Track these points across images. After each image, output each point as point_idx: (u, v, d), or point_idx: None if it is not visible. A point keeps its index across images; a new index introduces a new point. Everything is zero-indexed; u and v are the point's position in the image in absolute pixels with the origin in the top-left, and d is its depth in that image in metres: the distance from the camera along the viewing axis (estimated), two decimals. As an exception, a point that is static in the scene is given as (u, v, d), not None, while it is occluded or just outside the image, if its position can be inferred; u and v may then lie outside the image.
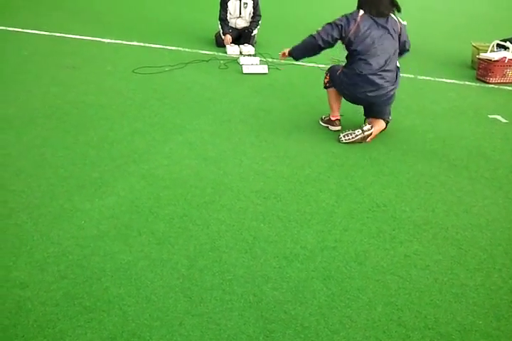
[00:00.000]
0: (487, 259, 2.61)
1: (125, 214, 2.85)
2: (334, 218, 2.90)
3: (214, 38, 6.40)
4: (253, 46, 6.15)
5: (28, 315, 2.15)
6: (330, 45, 3.75)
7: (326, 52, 4.01)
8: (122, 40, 6.30)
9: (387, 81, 3.67)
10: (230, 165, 3.42)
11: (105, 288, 2.30)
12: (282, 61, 5.63)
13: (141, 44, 6.19)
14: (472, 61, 5.89)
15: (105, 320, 2.13)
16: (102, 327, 2.10)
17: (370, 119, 3.93)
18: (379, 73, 3.63)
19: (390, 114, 3.92)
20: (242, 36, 6.31)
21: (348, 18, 3.67)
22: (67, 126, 3.91)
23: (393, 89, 3.74)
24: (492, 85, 5.41)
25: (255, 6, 6.20)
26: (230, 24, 6.24)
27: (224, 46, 6.18)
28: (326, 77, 4.05)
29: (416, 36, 6.95)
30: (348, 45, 3.69)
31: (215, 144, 3.72)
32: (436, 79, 5.38)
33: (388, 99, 3.76)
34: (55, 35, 6.38)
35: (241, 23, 6.31)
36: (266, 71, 5.39)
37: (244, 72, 5.34)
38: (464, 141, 3.96)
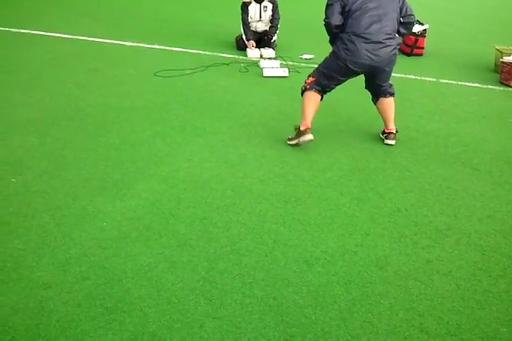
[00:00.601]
0: (511, 265, 2.57)
1: (146, 216, 2.87)
2: (355, 222, 2.88)
3: (234, 41, 6.43)
4: (273, 49, 6.15)
5: (50, 315, 2.17)
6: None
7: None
8: (144, 43, 6.36)
9: (387, 38, 3.53)
10: (251, 168, 3.43)
11: (126, 290, 2.31)
12: (303, 64, 5.63)
13: (163, 47, 6.23)
14: (495, 65, 5.82)
15: (126, 321, 2.14)
16: (123, 328, 2.11)
17: (384, 119, 3.87)
18: (376, 32, 3.49)
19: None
20: (262, 40, 6.32)
21: None
22: (89, 128, 3.95)
23: (397, 45, 3.63)
24: (516, 89, 5.34)
25: (274, 9, 6.22)
26: (251, 28, 6.26)
27: (244, 49, 6.20)
28: (308, 78, 3.87)
29: (438, 39, 6.90)
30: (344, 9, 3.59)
31: (235, 147, 3.72)
32: (459, 83, 5.32)
33: (392, 56, 3.63)
34: (77, 39, 6.47)
35: (261, 27, 6.33)
36: (286, 74, 5.38)
37: (264, 75, 5.35)
38: (486, 146, 3.90)
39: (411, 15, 3.69)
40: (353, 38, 3.50)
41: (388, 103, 3.84)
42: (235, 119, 4.22)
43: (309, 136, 3.65)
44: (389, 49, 3.53)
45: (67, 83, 4.92)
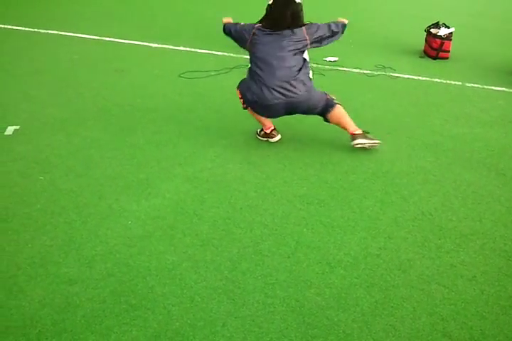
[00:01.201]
0: (537, 272, 2.54)
1: (170, 215, 2.90)
2: (378, 225, 2.87)
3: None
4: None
5: (75, 310, 2.22)
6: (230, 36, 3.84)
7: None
8: (169, 44, 6.42)
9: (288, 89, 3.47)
10: (273, 170, 3.44)
11: (150, 287, 2.34)
12: (327, 67, 5.63)
13: (187, 49, 6.28)
14: (523, 69, 5.74)
15: (150, 318, 2.18)
16: (146, 324, 2.14)
17: (342, 127, 3.74)
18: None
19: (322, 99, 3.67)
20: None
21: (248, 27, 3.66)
22: (115, 128, 4.01)
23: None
24: (543, 94, 5.25)
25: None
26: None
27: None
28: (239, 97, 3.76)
29: (464, 43, 6.83)
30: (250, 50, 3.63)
31: (258, 148, 3.74)
32: (485, 87, 5.26)
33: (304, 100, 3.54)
34: (104, 40, 6.56)
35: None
36: (311, 76, 5.36)
37: (288, 77, 5.35)
38: (513, 151, 3.85)
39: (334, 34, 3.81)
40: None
41: (337, 113, 3.70)
42: (259, 121, 4.23)
43: (277, 138, 3.84)
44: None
45: (94, 83, 5.00)
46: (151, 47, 6.36)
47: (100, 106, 4.44)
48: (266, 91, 3.44)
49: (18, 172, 3.31)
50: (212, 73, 5.37)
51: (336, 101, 3.73)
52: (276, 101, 3.45)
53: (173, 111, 4.38)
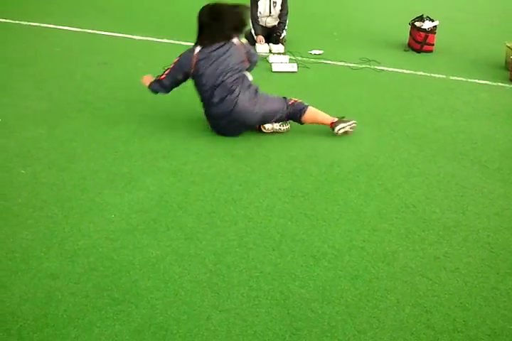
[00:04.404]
0: (519, 263, 2.56)
1: (154, 208, 2.88)
2: (362, 218, 2.88)
3: (244, 36, 6.41)
4: (283, 44, 6.13)
5: (58, 305, 2.19)
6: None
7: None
8: (153, 37, 6.36)
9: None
10: (258, 163, 3.43)
11: (134, 281, 2.32)
12: (312, 59, 5.62)
13: (172, 41, 6.22)
14: (506, 62, 5.77)
15: (133, 312, 2.16)
16: (130, 319, 2.12)
17: (320, 123, 3.82)
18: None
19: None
20: (271, 35, 6.30)
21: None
22: (98, 121, 3.96)
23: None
24: (526, 87, 5.30)
25: (283, 4, 6.18)
26: (260, 23, 6.24)
27: (254, 44, 6.18)
28: None
29: (448, 36, 6.86)
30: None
31: (242, 141, 3.72)
32: (469, 80, 5.28)
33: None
34: (87, 32, 6.47)
35: (271, 22, 6.29)
36: (295, 69, 5.37)
37: (273, 70, 5.33)
38: (496, 143, 3.88)
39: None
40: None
41: (310, 113, 3.76)
42: (244, 114, 4.20)
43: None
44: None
45: (77, 76, 4.93)
46: (135, 39, 6.29)
47: (83, 98, 4.39)
48: None
49: (-1, 165, 3.26)
50: (197, 66, 5.32)
51: (304, 104, 3.77)
52: None
53: (157, 104, 4.33)
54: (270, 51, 6.03)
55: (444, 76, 5.37)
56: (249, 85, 3.67)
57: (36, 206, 2.86)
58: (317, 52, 5.97)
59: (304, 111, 3.73)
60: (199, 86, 3.64)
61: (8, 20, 6.82)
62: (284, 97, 3.80)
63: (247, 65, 3.70)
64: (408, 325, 2.16)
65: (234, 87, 3.54)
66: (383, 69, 5.48)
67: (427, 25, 6.14)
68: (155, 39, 6.30)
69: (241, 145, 3.65)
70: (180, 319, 2.14)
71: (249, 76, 3.75)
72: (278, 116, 3.74)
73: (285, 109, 3.73)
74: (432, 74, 5.39)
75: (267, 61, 5.60)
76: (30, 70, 5.03)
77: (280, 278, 2.38)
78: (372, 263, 2.51)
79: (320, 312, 2.20)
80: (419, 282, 2.40)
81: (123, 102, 4.34)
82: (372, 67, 5.53)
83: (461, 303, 2.29)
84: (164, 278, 2.36)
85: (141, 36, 6.38)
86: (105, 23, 6.87)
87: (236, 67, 3.56)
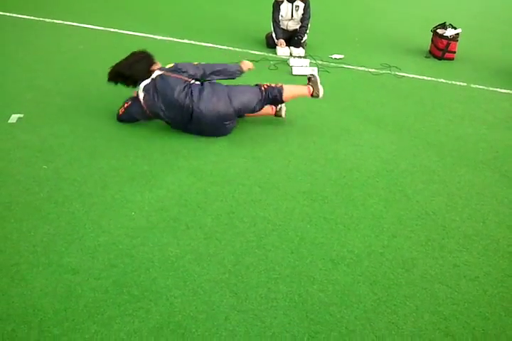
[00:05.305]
0: (540, 274, 2.53)
1: (174, 207, 2.89)
2: (382, 223, 2.87)
3: (265, 38, 6.42)
4: (303, 48, 6.14)
5: (78, 300, 2.21)
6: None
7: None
8: (174, 37, 6.39)
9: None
10: (278, 165, 3.43)
11: (153, 279, 2.34)
12: (332, 64, 5.62)
13: (192, 42, 6.25)
14: (528, 71, 5.74)
15: (152, 309, 2.17)
16: (149, 316, 2.14)
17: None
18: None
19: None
20: (292, 38, 6.31)
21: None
22: (119, 119, 3.99)
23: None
24: (548, 97, 5.24)
25: (306, 8, 6.18)
26: (281, 26, 6.25)
27: (274, 47, 6.19)
28: None
29: (470, 44, 6.81)
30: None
31: (263, 144, 3.73)
32: (490, 89, 5.24)
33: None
34: (109, 31, 6.52)
35: (292, 25, 6.30)
36: (316, 73, 5.36)
37: (293, 73, 5.33)
38: (517, 153, 3.85)
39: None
40: None
41: (287, 91, 3.90)
42: (264, 116, 4.21)
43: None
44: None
45: (99, 74, 4.94)
46: (156, 39, 6.33)
47: (105, 96, 4.42)
48: None
49: (22, 160, 3.30)
50: (218, 67, 5.34)
51: (278, 86, 3.89)
52: None
53: (177, 104, 4.35)
54: (291, 54, 6.03)
55: (465, 84, 5.34)
56: (202, 88, 3.70)
57: (58, 201, 2.89)
58: (338, 56, 5.96)
59: (281, 92, 3.86)
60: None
61: (32, 17, 6.90)
62: (256, 84, 3.92)
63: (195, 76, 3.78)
64: (427, 332, 2.14)
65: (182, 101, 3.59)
66: (404, 76, 5.46)
67: (449, 32, 6.10)
68: (176, 39, 6.33)
69: (261, 148, 3.66)
70: (198, 318, 2.14)
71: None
72: (257, 105, 3.82)
73: (261, 95, 3.82)
74: (453, 82, 5.36)
75: (287, 64, 5.60)
76: (53, 67, 5.08)
77: (299, 281, 2.38)
78: (392, 270, 2.50)
79: (338, 316, 2.20)
80: (438, 289, 2.39)
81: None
82: (393, 73, 5.51)
83: (480, 312, 2.27)
84: (183, 276, 2.37)
85: (163, 36, 6.41)
86: (128, 23, 6.92)
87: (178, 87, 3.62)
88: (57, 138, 3.62)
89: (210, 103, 3.61)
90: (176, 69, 3.74)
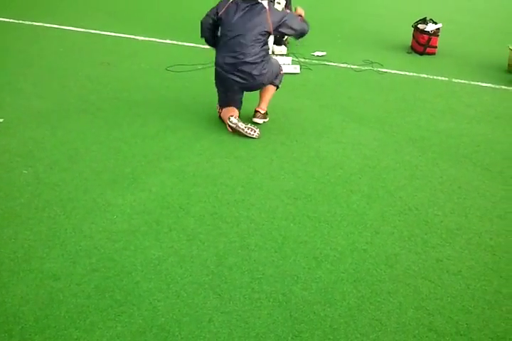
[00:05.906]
0: (522, 267, 2.55)
1: (156, 209, 2.87)
2: (365, 220, 2.87)
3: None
4: (285, 46, 6.13)
5: (59, 306, 2.19)
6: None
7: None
8: (156, 37, 6.36)
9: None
10: (260, 164, 3.42)
11: (136, 283, 2.32)
12: (314, 61, 5.62)
13: (174, 42, 6.23)
14: (509, 65, 5.77)
15: (135, 313, 2.15)
16: (132, 320, 2.12)
17: (260, 99, 4.05)
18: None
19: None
20: (274, 36, 6.29)
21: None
22: (100, 121, 3.96)
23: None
24: (529, 90, 5.28)
25: (287, 5, 6.17)
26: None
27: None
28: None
29: (451, 39, 6.85)
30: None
31: (245, 143, 3.72)
32: (472, 83, 5.28)
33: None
34: (90, 32, 6.47)
35: (274, 23, 6.29)
36: (298, 71, 5.36)
37: (276, 71, 5.32)
38: (498, 146, 3.87)
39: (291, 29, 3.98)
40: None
41: (268, 88, 3.98)
42: (245, 114, 4.20)
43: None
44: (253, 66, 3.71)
45: (80, 76, 4.93)
46: (138, 40, 6.29)
47: (85, 99, 4.39)
48: None
49: (1, 165, 3.26)
50: (199, 67, 5.32)
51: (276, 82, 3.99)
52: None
53: (159, 105, 4.34)
54: (273, 52, 6.02)
55: (446, 78, 5.36)
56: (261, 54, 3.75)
57: (38, 206, 2.86)
58: (320, 53, 5.96)
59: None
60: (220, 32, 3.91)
61: (11, 20, 6.82)
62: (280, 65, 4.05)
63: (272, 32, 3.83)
64: (410, 327, 2.15)
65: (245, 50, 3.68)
66: (386, 72, 5.47)
67: (430, 27, 6.13)
68: (158, 40, 6.30)
69: (243, 147, 3.65)
70: (182, 321, 2.13)
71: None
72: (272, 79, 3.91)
73: (276, 75, 3.94)
74: (435, 77, 5.39)
75: (270, 62, 5.58)
76: (33, 70, 5.03)
77: (282, 280, 2.38)
78: (375, 266, 2.50)
79: (322, 314, 2.19)
80: (421, 285, 2.39)
81: (126, 103, 4.34)
82: (375, 69, 5.53)
83: (463, 306, 2.28)
84: (166, 279, 2.35)
85: (144, 37, 6.38)
86: (108, 24, 6.87)
87: (256, 31, 3.69)
88: (37, 142, 3.58)
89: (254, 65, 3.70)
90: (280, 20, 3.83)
